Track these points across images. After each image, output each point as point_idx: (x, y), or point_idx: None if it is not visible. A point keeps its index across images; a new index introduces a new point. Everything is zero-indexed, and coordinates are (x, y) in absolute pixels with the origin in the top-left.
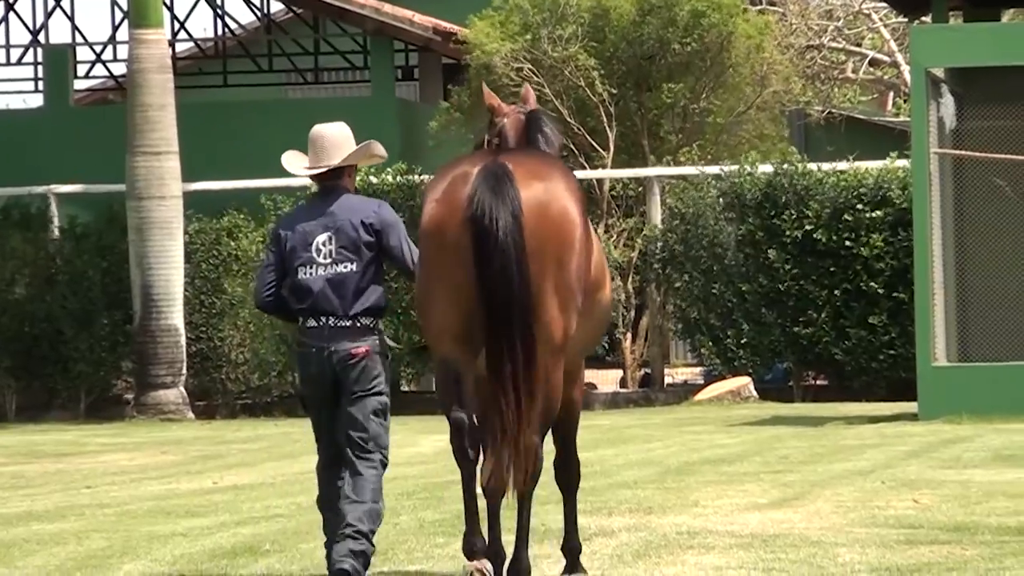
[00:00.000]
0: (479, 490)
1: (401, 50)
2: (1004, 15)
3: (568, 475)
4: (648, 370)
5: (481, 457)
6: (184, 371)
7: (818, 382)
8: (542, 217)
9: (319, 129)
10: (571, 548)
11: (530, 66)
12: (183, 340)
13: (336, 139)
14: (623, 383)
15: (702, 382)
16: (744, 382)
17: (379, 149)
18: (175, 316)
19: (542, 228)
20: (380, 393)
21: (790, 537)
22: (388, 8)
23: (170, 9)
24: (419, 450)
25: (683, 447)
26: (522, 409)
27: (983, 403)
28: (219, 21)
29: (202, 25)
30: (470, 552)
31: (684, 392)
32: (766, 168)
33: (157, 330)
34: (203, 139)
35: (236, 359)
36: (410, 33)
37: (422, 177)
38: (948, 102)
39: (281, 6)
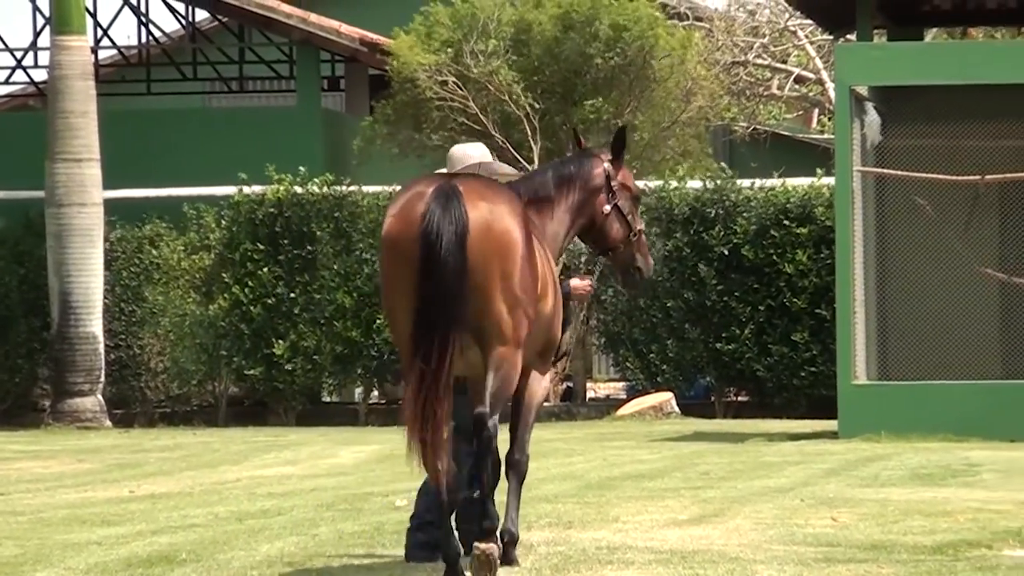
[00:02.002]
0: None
1: (327, 60)
2: (927, 34)
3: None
4: (571, 384)
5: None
6: (102, 379)
7: (740, 398)
8: (486, 234)
9: (458, 147)
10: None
11: (454, 80)
12: (101, 348)
13: (466, 154)
14: (545, 397)
15: (624, 397)
16: (666, 398)
17: (502, 168)
18: (94, 324)
19: (486, 244)
20: None
21: (709, 553)
22: (314, 18)
23: (93, 16)
24: (339, 461)
25: (604, 462)
26: (442, 399)
27: (902, 422)
28: (143, 28)
29: (126, 32)
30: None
31: (606, 407)
32: (695, 184)
33: (75, 337)
34: (126, 147)
35: (155, 367)
36: (336, 44)
37: (348, 188)
38: (872, 120)
39: (206, 15)
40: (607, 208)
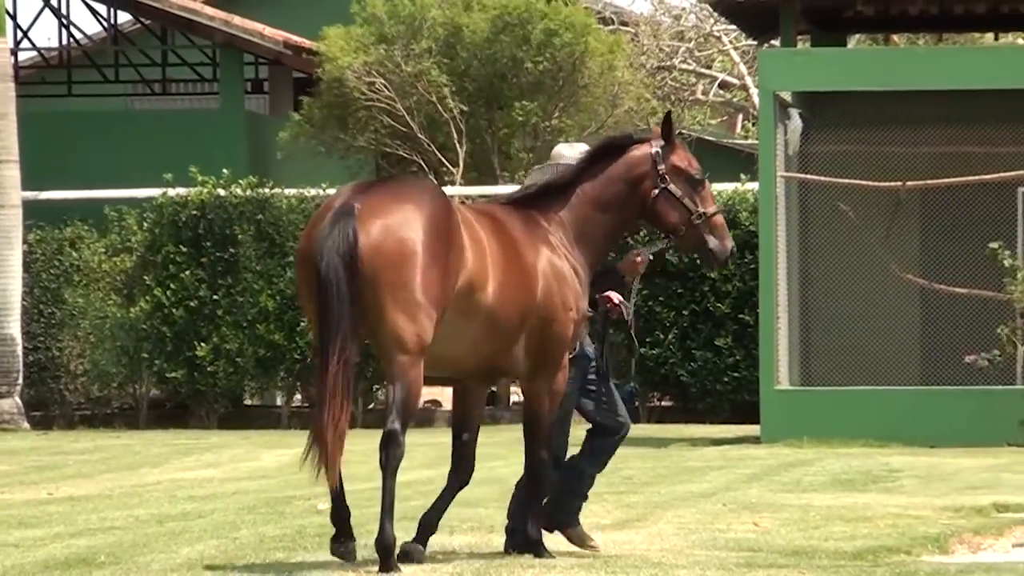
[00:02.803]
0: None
1: (251, 63)
2: (851, 40)
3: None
4: (494, 388)
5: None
6: (20, 381)
7: (663, 403)
8: (374, 252)
9: (559, 147)
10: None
11: (382, 80)
12: (20, 350)
13: (560, 154)
14: None
15: None
16: None
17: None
18: (11, 325)
19: (376, 260)
20: None
21: (631, 558)
22: (238, 21)
23: (13, 17)
24: (261, 464)
25: None
26: (341, 402)
27: (824, 427)
28: (64, 30)
29: (46, 34)
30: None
31: None
32: None
33: None
34: (46, 148)
35: (75, 370)
36: (260, 46)
37: (272, 190)
38: (795, 126)
39: (128, 17)
40: (655, 193)
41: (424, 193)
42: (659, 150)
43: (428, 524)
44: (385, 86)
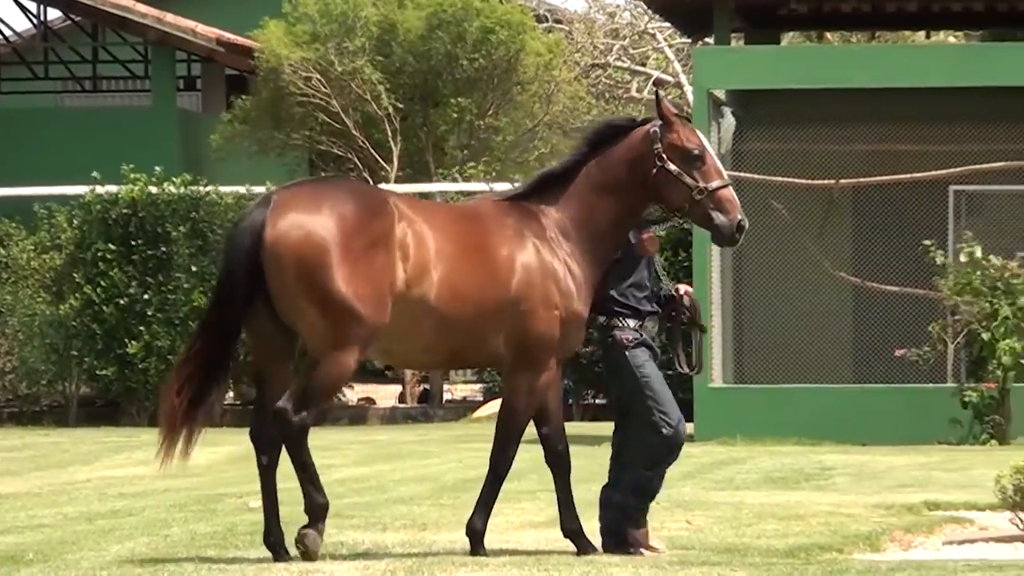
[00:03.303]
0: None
1: (183, 60)
2: (784, 38)
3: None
4: (427, 386)
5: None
6: None
7: (597, 401)
8: (278, 242)
9: None
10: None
11: (318, 77)
12: None
13: None
14: (402, 398)
15: (481, 399)
16: None
17: None
18: None
19: (280, 250)
20: None
21: (564, 556)
22: (170, 18)
23: None
24: (192, 462)
25: (460, 464)
26: (188, 377)
27: (757, 425)
28: None
29: None
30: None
31: (463, 409)
32: None
33: None
34: None
35: (3, 367)
36: (193, 43)
37: (205, 188)
38: (729, 124)
39: (59, 14)
40: (653, 172)
41: (345, 191)
42: (657, 129)
43: (571, 530)
44: (321, 82)
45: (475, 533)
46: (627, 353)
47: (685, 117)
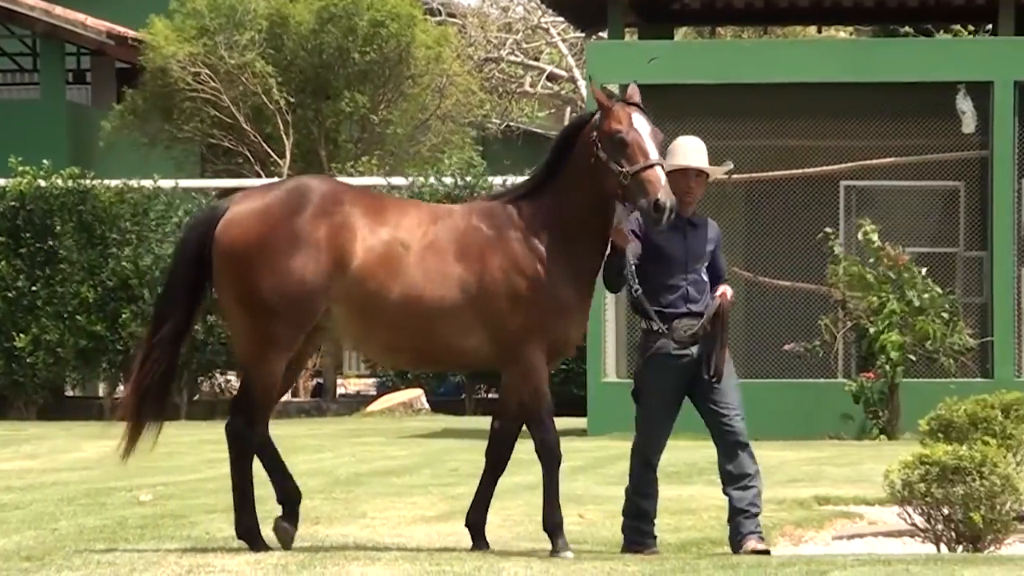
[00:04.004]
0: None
1: (72, 53)
2: (677, 33)
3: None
4: (320, 380)
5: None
6: None
7: (490, 395)
8: (216, 241)
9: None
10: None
11: (207, 71)
12: None
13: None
14: (295, 393)
15: (375, 393)
16: (417, 394)
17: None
18: None
19: (217, 249)
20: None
21: (457, 550)
22: (59, 11)
23: None
24: (82, 455)
25: (353, 458)
26: (145, 373)
27: None
28: None
29: None
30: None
31: (356, 403)
32: (447, 180)
33: None
34: None
35: None
36: (82, 36)
37: (93, 181)
38: None
39: None
40: (592, 161)
41: (289, 189)
42: (597, 118)
43: (475, 524)
44: (210, 76)
45: (555, 527)
46: (646, 359)
47: (626, 101)
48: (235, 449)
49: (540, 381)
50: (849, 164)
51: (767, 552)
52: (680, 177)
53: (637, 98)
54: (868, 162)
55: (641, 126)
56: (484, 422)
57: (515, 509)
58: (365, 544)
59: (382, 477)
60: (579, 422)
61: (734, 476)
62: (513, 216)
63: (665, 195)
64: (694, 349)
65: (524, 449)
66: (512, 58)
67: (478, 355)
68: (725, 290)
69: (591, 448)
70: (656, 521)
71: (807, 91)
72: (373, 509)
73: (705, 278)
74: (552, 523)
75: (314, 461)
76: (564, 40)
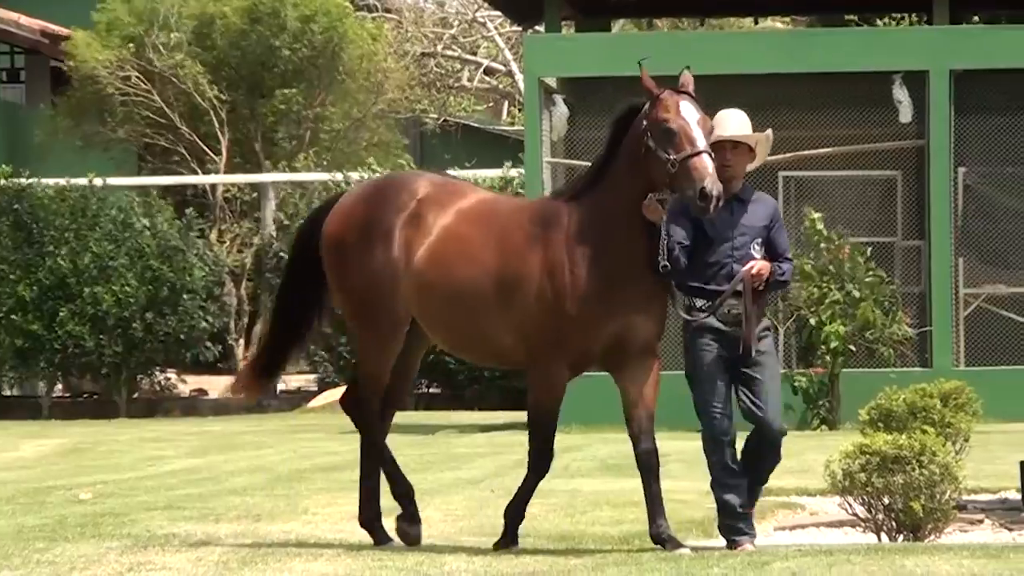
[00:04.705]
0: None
1: (6, 52)
2: (615, 26)
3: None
4: None
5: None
6: None
7: (432, 390)
8: (322, 235)
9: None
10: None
11: (137, 74)
12: None
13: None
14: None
15: (316, 389)
16: None
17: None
18: None
19: (322, 244)
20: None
21: (398, 545)
22: None
23: None
24: (20, 455)
25: (295, 454)
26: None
27: (592, 413)
28: None
29: None
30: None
31: (298, 399)
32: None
33: None
34: None
35: None
36: (16, 35)
37: (28, 180)
38: (560, 111)
39: None
40: (643, 151)
41: (376, 183)
42: (646, 107)
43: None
44: (141, 79)
45: (513, 520)
46: (688, 335)
47: (678, 90)
48: (361, 438)
49: (555, 394)
50: (787, 155)
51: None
52: (718, 150)
53: (690, 86)
54: (806, 152)
55: (689, 114)
56: (426, 417)
57: (458, 504)
58: (307, 540)
59: (324, 473)
60: (520, 416)
61: (760, 472)
62: (562, 217)
63: (712, 183)
64: (734, 329)
65: (462, 443)
66: (449, 53)
67: (518, 355)
68: (752, 264)
69: None
70: (749, 512)
71: (745, 82)
72: (315, 505)
73: (757, 255)
74: (511, 514)
75: (255, 458)
76: (501, 34)
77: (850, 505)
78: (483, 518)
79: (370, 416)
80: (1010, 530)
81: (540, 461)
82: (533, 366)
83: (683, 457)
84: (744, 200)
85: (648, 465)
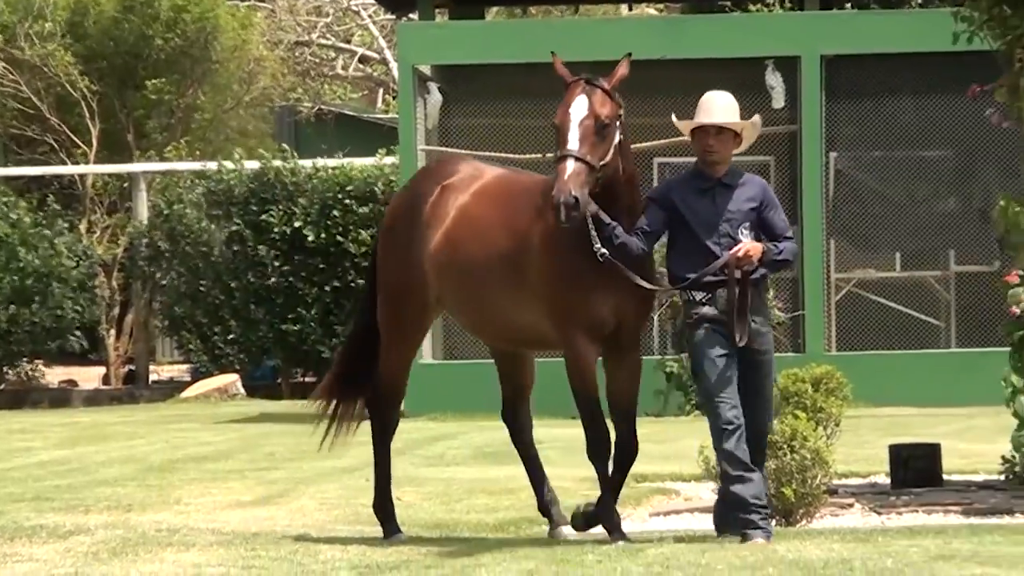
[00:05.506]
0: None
1: None
2: (488, 14)
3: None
4: (133, 367)
5: None
6: None
7: (307, 379)
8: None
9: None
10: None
11: (5, 65)
12: None
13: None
14: (106, 380)
15: (189, 379)
16: (232, 379)
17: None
18: None
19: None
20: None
21: (273, 534)
22: None
23: None
24: None
25: (167, 444)
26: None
27: (467, 401)
28: None
29: None
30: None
31: (170, 389)
32: (254, 165)
33: None
34: None
35: None
36: None
37: None
38: (435, 99)
39: None
40: None
41: (413, 177)
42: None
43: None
44: (9, 70)
45: (612, 526)
46: (689, 327)
47: (590, 80)
48: (374, 429)
49: (583, 369)
50: (661, 141)
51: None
52: (701, 135)
53: (615, 76)
54: (680, 138)
55: (576, 110)
56: (302, 406)
57: (332, 492)
58: (178, 529)
59: (196, 463)
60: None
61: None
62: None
63: (558, 190)
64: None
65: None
66: (323, 41)
67: (540, 332)
68: (740, 245)
69: (409, 430)
70: (762, 504)
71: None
72: (188, 495)
73: (746, 240)
74: (608, 521)
75: (127, 448)
76: (375, 22)
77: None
78: (358, 507)
79: (383, 413)
80: (879, 514)
81: (595, 445)
82: (562, 345)
83: (561, 444)
84: (729, 185)
85: (625, 458)
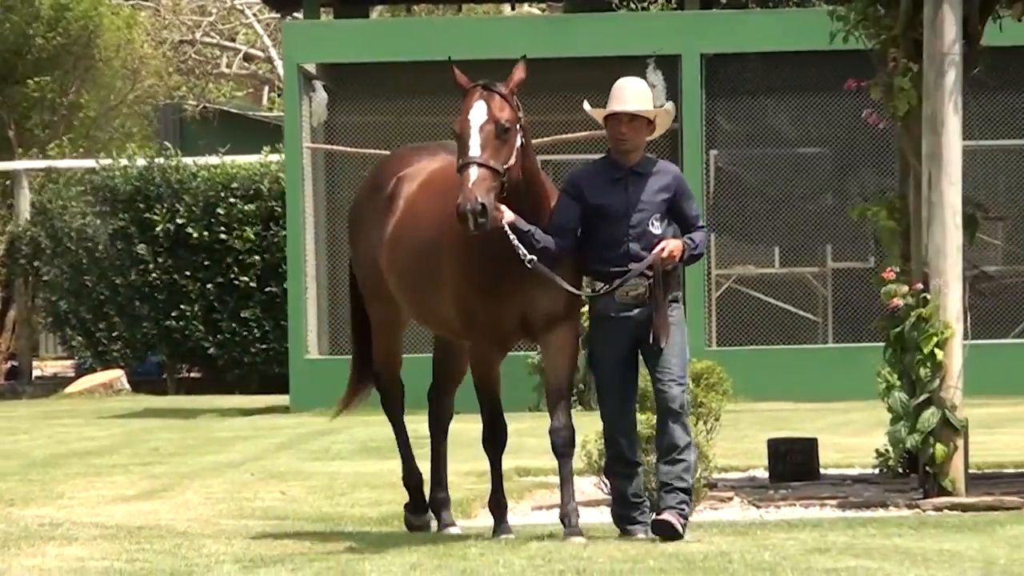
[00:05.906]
0: None
1: None
2: (373, 12)
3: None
4: (15, 363)
5: None
6: None
7: (192, 375)
8: None
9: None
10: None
11: None
12: None
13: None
14: None
15: (73, 375)
16: (116, 375)
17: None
18: None
19: None
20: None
21: (157, 528)
22: None
23: None
24: None
25: (51, 440)
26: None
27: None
28: None
29: None
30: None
31: (54, 385)
32: (140, 162)
33: None
34: None
35: None
36: None
37: None
38: (320, 97)
39: None
40: None
41: (373, 168)
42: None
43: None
44: None
45: (499, 510)
46: (591, 318)
47: (487, 85)
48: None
49: (485, 372)
50: (545, 139)
51: (676, 533)
52: (614, 123)
53: (513, 79)
54: (564, 136)
55: (475, 116)
56: (186, 401)
57: (217, 487)
58: (62, 523)
59: (80, 458)
60: (282, 399)
61: (662, 448)
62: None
63: (464, 198)
64: (637, 311)
65: (223, 427)
66: (207, 39)
67: (460, 328)
68: (666, 244)
69: (293, 425)
70: (643, 502)
71: (502, 67)
72: (71, 490)
73: (657, 231)
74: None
75: (8, 443)
76: (260, 20)
77: (606, 485)
78: (242, 501)
79: (384, 390)
80: (758, 507)
81: (490, 432)
82: (469, 344)
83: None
84: (642, 174)
85: (553, 444)
